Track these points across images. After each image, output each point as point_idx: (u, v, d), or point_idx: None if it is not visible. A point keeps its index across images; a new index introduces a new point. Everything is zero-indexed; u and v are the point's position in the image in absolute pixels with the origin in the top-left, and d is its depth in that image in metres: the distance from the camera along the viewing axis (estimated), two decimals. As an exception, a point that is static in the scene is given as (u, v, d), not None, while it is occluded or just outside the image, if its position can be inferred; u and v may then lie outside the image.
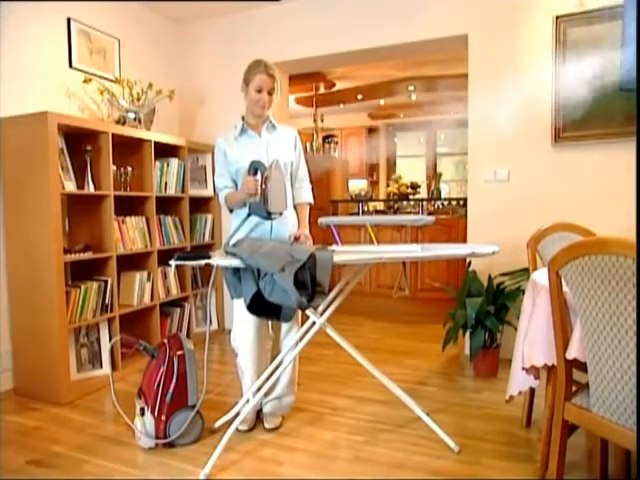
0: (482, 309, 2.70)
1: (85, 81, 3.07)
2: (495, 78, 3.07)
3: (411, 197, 5.66)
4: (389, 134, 8.39)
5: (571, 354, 1.45)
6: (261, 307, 1.93)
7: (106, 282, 2.83)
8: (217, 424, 2.21)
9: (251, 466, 1.92)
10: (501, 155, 3.10)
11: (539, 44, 2.94)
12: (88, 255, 2.76)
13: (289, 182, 2.23)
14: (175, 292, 3.48)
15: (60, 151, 2.65)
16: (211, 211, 3.84)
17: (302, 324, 2.18)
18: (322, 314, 2.05)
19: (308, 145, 6.52)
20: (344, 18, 3.47)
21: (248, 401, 2.12)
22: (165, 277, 3.39)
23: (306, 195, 2.29)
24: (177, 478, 1.84)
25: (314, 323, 2.05)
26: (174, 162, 3.43)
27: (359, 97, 6.94)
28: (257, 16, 3.73)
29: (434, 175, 7.61)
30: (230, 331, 2.27)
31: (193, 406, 2.07)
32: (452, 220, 4.46)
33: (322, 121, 6.94)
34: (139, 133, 3.11)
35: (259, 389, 2.09)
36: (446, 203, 5.85)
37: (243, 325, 2.14)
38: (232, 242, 2.05)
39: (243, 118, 2.20)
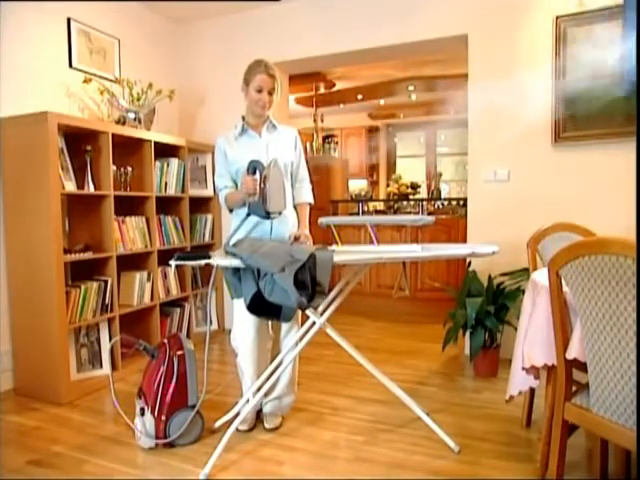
0: (482, 309, 2.70)
1: (85, 81, 3.07)
2: (495, 78, 3.07)
3: (411, 197, 5.66)
4: (389, 134, 8.39)
5: (571, 354, 1.45)
6: (261, 307, 1.93)
7: (106, 282, 2.83)
8: (217, 424, 2.21)
9: (251, 466, 1.92)
10: (501, 155, 3.10)
11: (539, 44, 2.94)
12: (88, 255, 2.76)
13: (289, 182, 2.23)
14: (175, 292, 3.48)
15: (60, 151, 2.65)
16: (211, 211, 3.84)
17: (302, 324, 2.18)
18: (322, 314, 2.05)
19: (308, 145, 6.52)
20: (344, 18, 3.47)
21: (248, 401, 2.12)
22: (165, 277, 3.39)
23: (306, 195, 2.29)
24: (177, 478, 1.84)
25: (314, 323, 2.05)
26: (174, 162, 3.43)
27: (359, 97, 6.94)
28: (257, 16, 3.73)
29: (434, 175, 7.61)
30: (230, 331, 2.27)
31: (193, 406, 2.07)
32: (452, 220, 4.46)
33: (322, 121, 6.94)
34: (139, 133, 3.11)
35: (259, 389, 2.09)
36: (446, 203, 5.84)
37: (243, 325, 2.14)
38: (232, 242, 2.05)
39: (243, 118, 2.20)
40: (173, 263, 1.84)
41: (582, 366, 1.45)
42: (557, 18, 2.86)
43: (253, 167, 1.96)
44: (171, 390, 2.03)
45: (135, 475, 1.87)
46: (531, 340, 1.69)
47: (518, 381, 1.83)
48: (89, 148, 2.80)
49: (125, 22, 3.51)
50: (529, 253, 2.28)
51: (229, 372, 2.92)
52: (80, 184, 2.79)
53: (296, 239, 2.12)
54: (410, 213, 5.51)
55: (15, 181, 2.61)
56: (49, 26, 2.95)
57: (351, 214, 5.90)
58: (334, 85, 6.27)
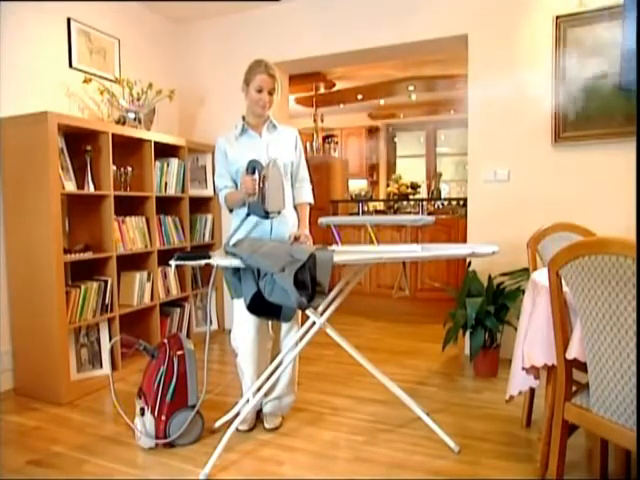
0: (482, 309, 2.70)
1: (85, 81, 3.07)
2: (495, 78, 3.07)
3: (411, 197, 5.66)
4: (389, 134, 8.39)
5: (571, 354, 1.45)
6: (261, 307, 1.93)
7: (106, 282, 2.83)
8: (217, 424, 2.21)
9: (251, 466, 1.92)
10: (501, 155, 3.10)
11: (539, 44, 2.94)
12: (88, 255, 2.76)
13: (289, 182, 2.23)
14: (175, 292, 3.48)
15: (60, 151, 2.65)
16: (211, 211, 3.84)
17: (302, 324, 2.18)
18: (322, 314, 2.05)
19: (308, 145, 6.52)
20: (344, 18, 3.47)
21: (248, 401, 2.12)
22: (165, 277, 3.39)
23: (306, 195, 2.29)
24: (177, 478, 1.84)
25: (314, 323, 2.05)
26: (174, 162, 3.43)
27: (359, 97, 6.94)
28: (257, 16, 3.73)
29: (434, 175, 7.61)
30: (230, 331, 2.27)
31: (193, 406, 2.07)
32: (452, 220, 4.45)
33: (322, 121, 6.94)
34: (139, 133, 3.11)
35: (259, 389, 2.09)
36: (446, 203, 5.84)
37: (243, 325, 2.14)
38: (232, 242, 2.05)
39: (244, 118, 2.20)
40: (173, 263, 1.84)
41: (582, 366, 1.45)
42: (557, 18, 2.86)
43: (252, 167, 1.96)
44: (171, 390, 2.03)
45: (135, 475, 1.87)
46: (531, 340, 1.69)
47: (518, 381, 1.83)
48: (89, 148, 2.80)
49: (125, 22, 3.51)
50: (529, 253, 2.28)
51: (229, 372, 2.92)
52: (80, 184, 2.79)
53: (296, 239, 2.12)
54: (410, 213, 5.51)
55: (15, 181, 2.61)
56: (49, 26, 2.95)
57: (351, 214, 5.90)
58: (334, 85, 6.27)
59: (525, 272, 2.69)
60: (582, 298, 1.37)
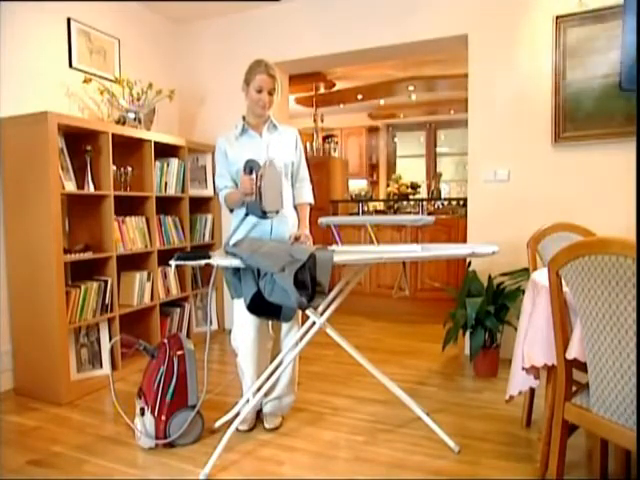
0: (482, 309, 2.70)
1: (85, 81, 3.07)
2: (495, 78, 3.07)
3: (411, 197, 5.66)
4: (389, 134, 8.39)
5: (571, 354, 1.45)
6: (261, 307, 1.93)
7: (106, 282, 2.83)
8: (217, 424, 2.21)
9: (251, 466, 1.92)
10: (501, 155, 3.10)
11: (539, 44, 2.94)
12: (88, 255, 2.76)
13: (289, 182, 2.23)
14: (175, 292, 3.48)
15: (60, 151, 2.65)
16: (211, 211, 3.84)
17: (302, 324, 2.18)
18: (322, 314, 2.05)
19: (308, 145, 6.52)
20: (344, 18, 3.47)
21: (248, 401, 2.12)
22: (165, 277, 3.39)
23: (306, 195, 2.29)
24: (177, 478, 1.84)
25: (314, 323, 2.05)
26: (174, 162, 3.43)
27: (359, 97, 6.94)
28: (257, 16, 3.73)
29: (434, 175, 7.61)
30: (230, 331, 2.27)
31: (193, 406, 2.07)
32: (452, 220, 4.46)
33: (322, 121, 6.95)
34: (139, 133, 3.11)
35: (259, 389, 2.09)
36: (446, 203, 5.84)
37: (243, 325, 2.14)
38: (232, 242, 2.05)
39: (244, 118, 2.20)
40: (173, 263, 1.84)
41: (582, 366, 1.45)
42: (557, 18, 2.86)
43: (250, 167, 1.96)
44: (171, 390, 2.03)
45: (135, 475, 1.87)
46: (531, 340, 1.69)
47: (518, 381, 1.83)
48: (89, 148, 2.80)
49: (125, 22, 3.51)
50: (529, 253, 2.28)
51: (229, 372, 2.92)
52: (80, 184, 2.79)
53: (296, 239, 2.12)
54: (410, 213, 5.51)
55: (15, 181, 2.61)
56: (49, 26, 2.95)
57: (351, 214, 5.90)
58: (334, 85, 6.27)
59: (525, 272, 2.69)
60: (582, 298, 1.37)
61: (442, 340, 2.90)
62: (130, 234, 3.05)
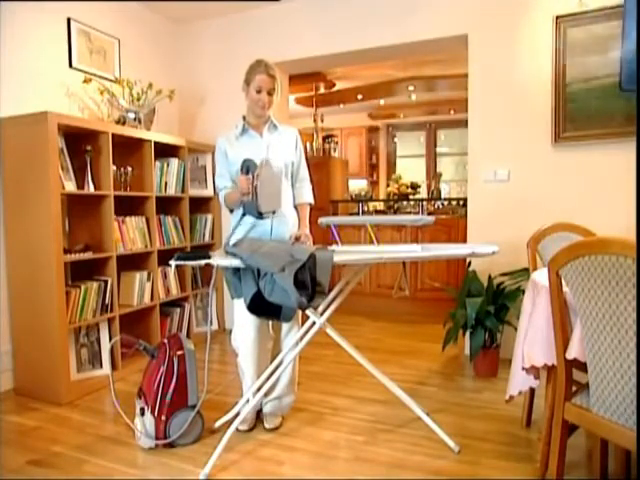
0: (482, 309, 2.70)
1: (85, 81, 3.07)
2: (495, 78, 3.07)
3: (411, 197, 5.66)
4: (389, 134, 8.39)
5: (571, 354, 1.45)
6: (261, 307, 1.93)
7: (106, 282, 2.83)
8: (217, 424, 2.21)
9: (251, 466, 1.92)
10: (501, 155, 3.10)
11: (539, 44, 2.94)
12: (88, 255, 2.76)
13: (289, 182, 2.23)
14: (175, 292, 3.47)
15: (60, 151, 2.65)
16: (211, 211, 3.84)
17: (302, 324, 2.18)
18: (322, 314, 2.05)
19: (308, 145, 6.52)
20: (344, 18, 3.47)
21: (248, 401, 2.12)
22: (165, 277, 3.39)
23: (307, 195, 2.29)
24: (177, 478, 1.84)
25: (314, 323, 2.05)
26: (174, 162, 3.43)
27: (359, 97, 6.94)
28: (257, 16, 3.73)
29: (434, 175, 7.61)
30: (230, 331, 2.27)
31: (193, 406, 2.07)
32: (452, 220, 4.46)
33: (322, 121, 6.95)
34: (139, 133, 3.11)
35: (259, 389, 2.09)
36: (446, 203, 5.85)
37: (244, 325, 2.14)
38: (231, 242, 2.05)
39: (244, 118, 2.20)
40: (173, 263, 1.84)
41: (582, 366, 1.45)
42: (557, 18, 2.86)
43: (247, 166, 1.95)
44: (171, 390, 2.03)
45: (135, 475, 1.87)
46: (531, 340, 1.69)
47: (518, 381, 1.83)
48: (89, 148, 2.80)
49: (125, 22, 3.51)
50: (529, 253, 2.28)
51: (229, 372, 2.92)
52: (80, 184, 2.79)
53: (297, 239, 2.12)
54: (410, 213, 5.51)
55: (15, 181, 2.61)
56: (49, 26, 2.95)
57: (351, 214, 5.90)
58: (334, 85, 6.27)
59: (525, 272, 2.69)
60: (582, 298, 1.37)
61: (442, 340, 2.90)
62: (130, 234, 3.05)
